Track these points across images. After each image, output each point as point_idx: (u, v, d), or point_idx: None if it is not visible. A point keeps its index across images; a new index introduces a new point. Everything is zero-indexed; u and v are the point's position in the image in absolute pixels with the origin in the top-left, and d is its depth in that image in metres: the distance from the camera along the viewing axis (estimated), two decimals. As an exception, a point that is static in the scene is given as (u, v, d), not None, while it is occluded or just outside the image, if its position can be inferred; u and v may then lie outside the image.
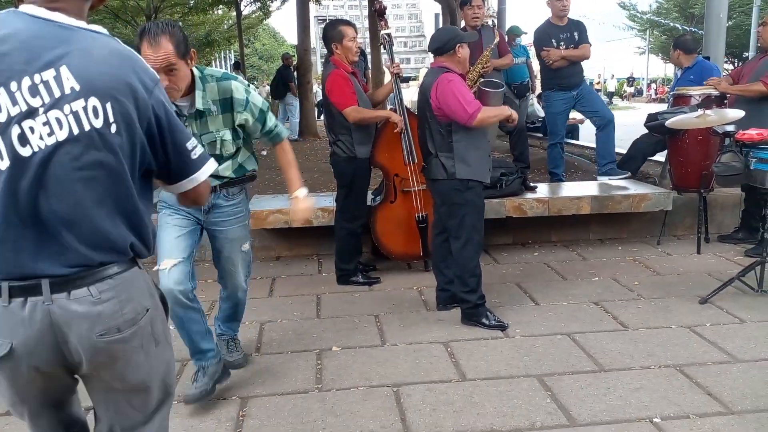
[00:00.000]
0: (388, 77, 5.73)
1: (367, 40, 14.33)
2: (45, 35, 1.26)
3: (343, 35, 3.92)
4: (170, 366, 1.54)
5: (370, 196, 4.42)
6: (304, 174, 7.15)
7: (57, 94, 1.24)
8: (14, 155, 1.23)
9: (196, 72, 2.43)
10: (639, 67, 37.23)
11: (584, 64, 5.59)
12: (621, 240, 5.11)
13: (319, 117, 14.75)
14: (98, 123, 1.26)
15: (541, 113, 8.17)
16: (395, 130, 4.04)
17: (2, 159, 1.23)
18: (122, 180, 1.32)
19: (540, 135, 8.60)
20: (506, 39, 5.71)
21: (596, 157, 5.56)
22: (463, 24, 5.47)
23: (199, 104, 2.45)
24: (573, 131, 8.69)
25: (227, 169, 2.61)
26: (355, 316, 3.65)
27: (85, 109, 1.25)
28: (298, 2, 12.64)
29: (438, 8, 11.45)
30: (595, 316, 3.56)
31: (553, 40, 5.34)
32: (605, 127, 5.27)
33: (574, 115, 6.16)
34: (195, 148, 1.44)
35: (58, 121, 1.24)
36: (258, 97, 2.60)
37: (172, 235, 2.56)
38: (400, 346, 3.23)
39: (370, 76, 12.26)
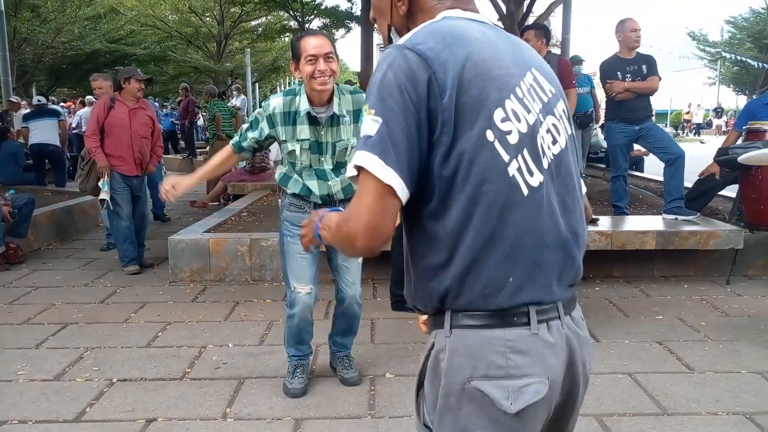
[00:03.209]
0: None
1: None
2: (502, 38, 1.16)
3: None
4: None
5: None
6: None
7: (545, 98, 1.14)
8: (540, 167, 1.10)
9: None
10: (708, 99, 35.88)
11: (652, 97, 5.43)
12: (687, 278, 4.91)
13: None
14: (570, 127, 1.20)
15: (605, 144, 8.02)
16: None
17: (532, 174, 1.08)
18: (578, 187, 1.20)
19: (603, 166, 8.44)
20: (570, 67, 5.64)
21: (664, 193, 5.39)
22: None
23: (335, 109, 2.76)
24: (638, 163, 8.48)
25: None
26: (410, 343, 3.64)
27: (564, 111, 1.19)
28: (362, 31, 12.92)
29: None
30: (659, 357, 3.43)
31: (619, 73, 5.25)
32: (674, 162, 5.11)
33: (639, 146, 6.01)
34: None
35: (555, 127, 1.15)
36: None
37: (299, 263, 2.88)
38: (454, 377, 3.19)
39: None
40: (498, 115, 1.05)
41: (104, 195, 5.09)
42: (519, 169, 1.06)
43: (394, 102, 1.02)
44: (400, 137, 1.01)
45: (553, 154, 1.12)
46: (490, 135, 1.05)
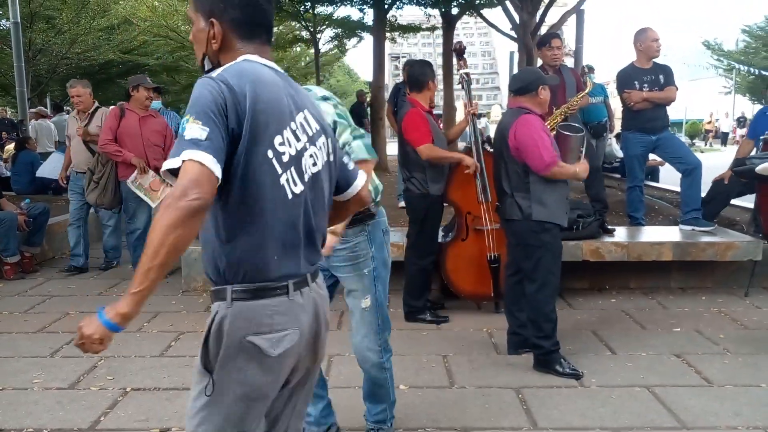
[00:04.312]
0: (459, 114, 5.75)
1: (440, 77, 14.50)
2: (286, 83, 1.56)
3: (432, 77, 4.04)
4: None
5: (440, 233, 4.41)
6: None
7: (310, 133, 1.57)
8: (302, 180, 1.54)
9: None
10: (724, 108, 35.51)
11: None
12: (705, 290, 4.85)
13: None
14: (329, 156, 1.62)
15: (619, 154, 7.97)
16: (466, 171, 4.04)
17: (296, 184, 1.51)
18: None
19: (618, 176, 8.37)
20: (582, 78, 5.62)
21: (681, 204, 5.35)
22: (539, 63, 5.44)
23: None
24: (653, 173, 8.39)
25: None
26: (423, 354, 3.62)
27: (324, 144, 1.60)
28: (374, 41, 12.98)
29: (513, 46, 11.47)
30: (677, 369, 3.38)
31: (636, 83, 5.21)
32: (691, 173, 5.06)
33: (654, 156, 5.97)
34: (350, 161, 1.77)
35: (315, 155, 1.57)
36: None
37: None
38: (469, 389, 3.16)
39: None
40: (277, 140, 1.45)
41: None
42: (287, 180, 1.48)
43: (213, 116, 1.37)
44: (219, 143, 1.37)
45: (312, 173, 1.55)
46: (270, 153, 1.44)
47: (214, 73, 1.43)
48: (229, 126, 1.39)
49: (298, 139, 1.51)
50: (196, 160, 1.34)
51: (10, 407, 2.99)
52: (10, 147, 10.11)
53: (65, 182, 5.89)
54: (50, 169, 8.59)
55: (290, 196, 1.49)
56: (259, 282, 1.46)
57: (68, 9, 16.67)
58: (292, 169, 1.49)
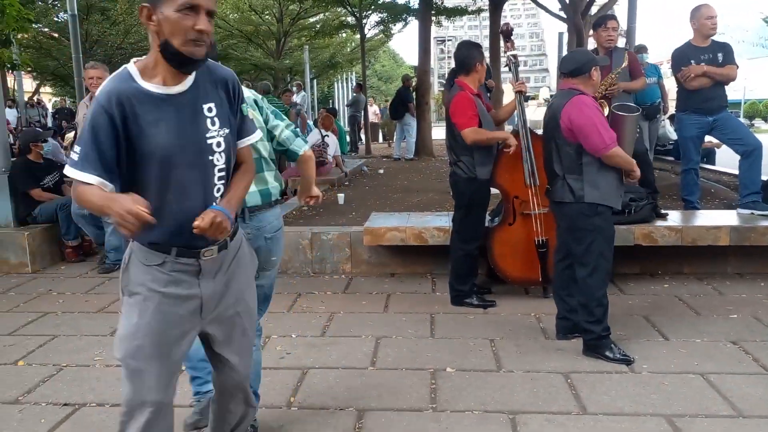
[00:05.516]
0: (507, 97, 5.65)
1: (487, 60, 14.26)
2: None
3: (479, 59, 3.99)
4: None
5: (487, 217, 4.38)
6: (421, 194, 7.26)
7: None
8: None
9: None
10: (785, 87, 33.79)
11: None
12: (764, 276, 4.67)
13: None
14: None
15: (673, 136, 7.72)
16: (506, 150, 3.95)
17: None
18: None
19: (671, 158, 8.12)
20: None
21: (739, 187, 5.14)
22: (591, 45, 5.30)
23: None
24: (708, 155, 8.11)
25: None
26: (470, 338, 3.62)
27: None
28: (420, 24, 12.88)
29: (562, 27, 11.19)
30: (733, 357, 3.28)
31: (692, 61, 5.01)
32: (750, 154, 4.85)
33: (710, 138, 5.75)
34: None
35: None
36: None
37: None
38: (517, 373, 3.15)
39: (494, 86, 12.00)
40: None
41: None
42: None
43: None
44: None
45: None
46: None
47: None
48: None
49: None
50: None
51: (74, 383, 3.15)
52: (70, 135, 10.51)
53: None
54: None
55: None
56: None
57: (122, 0, 17.15)
58: None
